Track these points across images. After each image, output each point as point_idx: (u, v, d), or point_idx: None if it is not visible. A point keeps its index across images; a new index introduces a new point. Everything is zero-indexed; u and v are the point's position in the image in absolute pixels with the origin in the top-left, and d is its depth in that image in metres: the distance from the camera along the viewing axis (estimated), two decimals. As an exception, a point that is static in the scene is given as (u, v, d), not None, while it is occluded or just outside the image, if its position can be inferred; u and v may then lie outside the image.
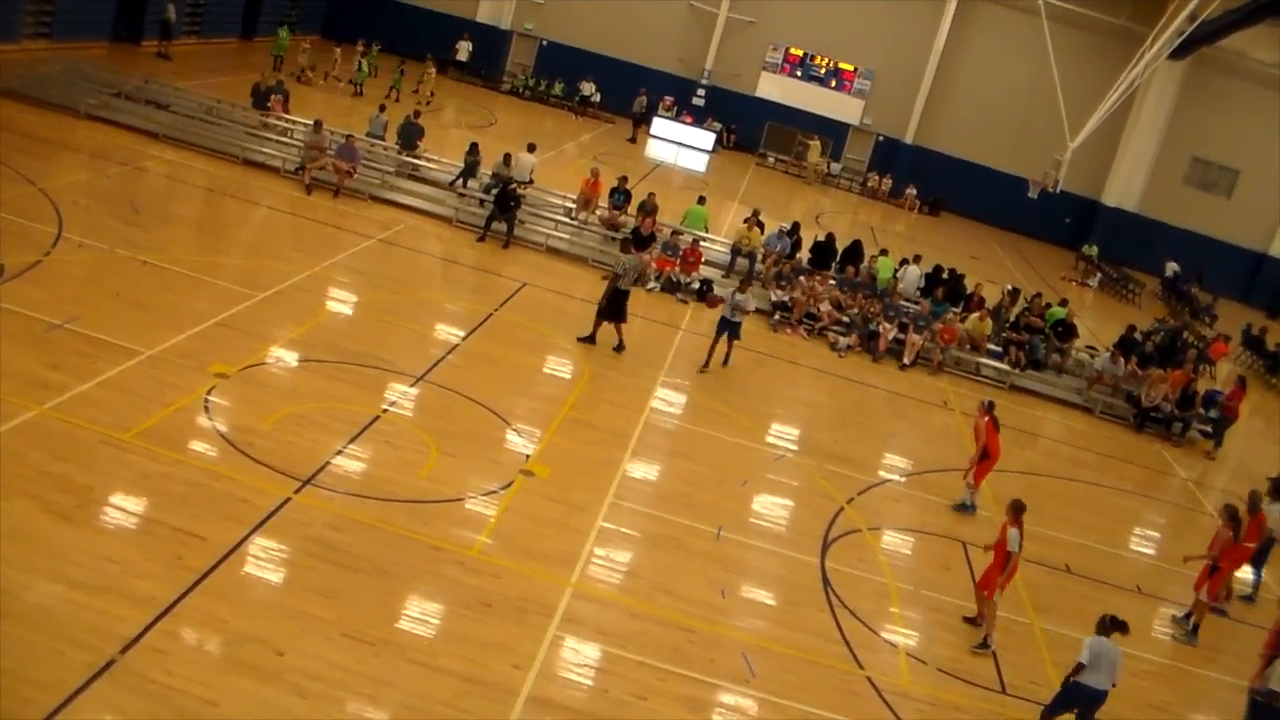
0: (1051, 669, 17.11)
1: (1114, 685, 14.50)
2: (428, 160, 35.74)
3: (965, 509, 21.47)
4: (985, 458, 21.20)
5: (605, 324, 24.94)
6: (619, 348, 25.04)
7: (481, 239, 31.05)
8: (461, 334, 23.69)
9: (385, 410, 19.13)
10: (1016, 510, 16.87)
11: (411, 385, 20.40)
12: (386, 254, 27.91)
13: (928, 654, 16.66)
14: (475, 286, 28.15)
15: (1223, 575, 19.36)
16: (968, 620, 17.46)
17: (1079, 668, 14.17)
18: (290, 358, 20.20)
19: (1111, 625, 14.37)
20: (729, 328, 25.56)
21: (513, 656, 13.65)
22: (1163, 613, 20.48)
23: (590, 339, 25.03)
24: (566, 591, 15.39)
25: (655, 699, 13.75)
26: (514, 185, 31.94)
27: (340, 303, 23.91)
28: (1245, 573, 21.37)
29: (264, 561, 14.19)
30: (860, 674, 15.58)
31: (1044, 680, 16.77)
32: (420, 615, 14.09)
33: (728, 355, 25.89)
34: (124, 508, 14.61)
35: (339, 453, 17.20)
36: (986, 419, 21.08)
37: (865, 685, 15.38)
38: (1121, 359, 32.82)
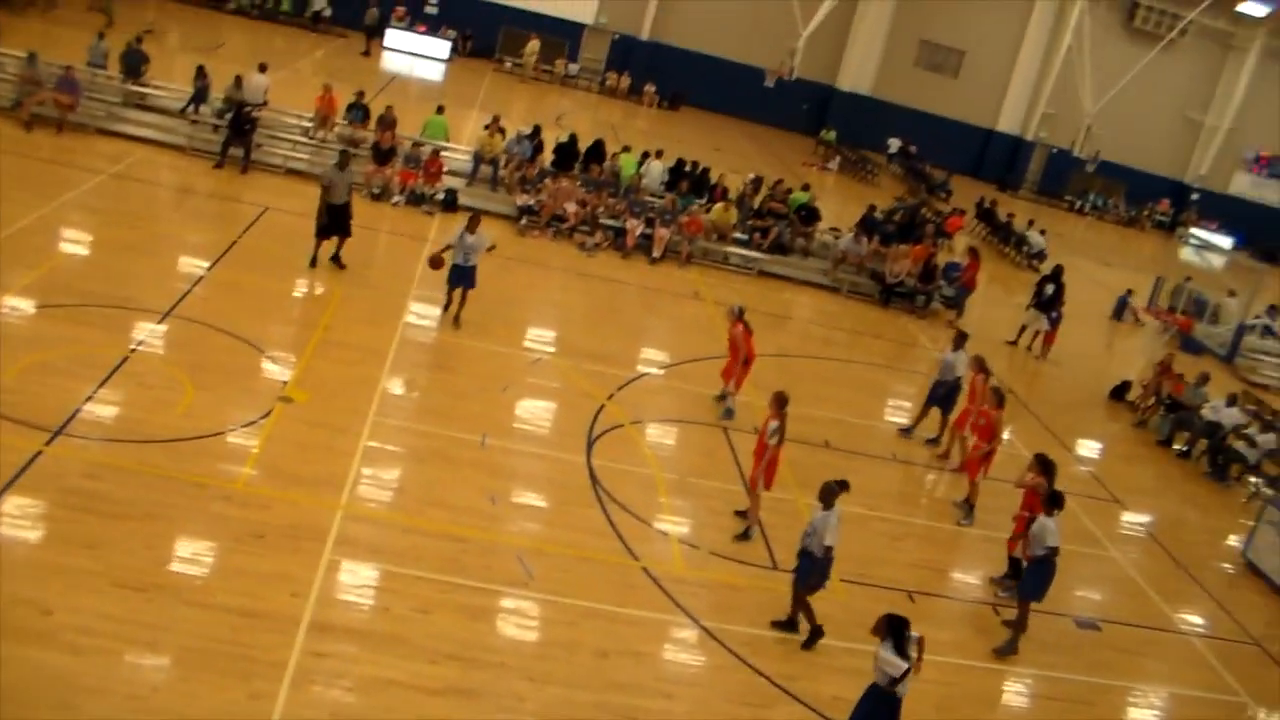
0: (816, 539, 17.74)
1: None
2: (155, 88, 34.12)
3: (728, 415, 21.59)
4: (744, 364, 21.34)
5: (327, 241, 24.27)
6: (335, 258, 24.46)
7: (219, 165, 29.97)
8: (206, 265, 22.87)
9: (134, 350, 18.40)
10: (779, 403, 17.12)
11: (159, 322, 19.65)
12: (120, 189, 26.71)
13: (699, 539, 17.07)
14: (216, 215, 27.18)
15: (994, 455, 20.15)
16: (739, 514, 17.82)
17: (829, 550, 14.54)
18: (26, 305, 19.16)
19: (838, 490, 14.72)
20: (463, 276, 22.66)
21: (290, 585, 13.46)
22: (917, 475, 21.45)
23: (313, 262, 24.27)
24: (337, 514, 15.19)
25: (437, 611, 13.75)
26: (247, 108, 30.90)
27: (75, 243, 22.80)
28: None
29: (20, 520, 13.53)
30: (636, 565, 15.86)
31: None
32: (191, 555, 13.71)
33: (461, 307, 22.90)
34: None
35: (89, 398, 16.49)
36: (740, 326, 21.18)
37: (642, 576, 15.69)
38: (864, 238, 33.92)
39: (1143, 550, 21.05)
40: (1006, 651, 15.97)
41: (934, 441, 22.91)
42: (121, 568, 13.00)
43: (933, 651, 15.33)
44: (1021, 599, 16.29)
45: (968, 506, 20.07)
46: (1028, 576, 16.24)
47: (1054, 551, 15.71)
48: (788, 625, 15.08)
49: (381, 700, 12.04)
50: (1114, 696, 16.05)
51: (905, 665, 12.01)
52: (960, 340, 22.78)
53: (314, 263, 24.20)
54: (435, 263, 22.30)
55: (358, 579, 14.07)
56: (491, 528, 15.98)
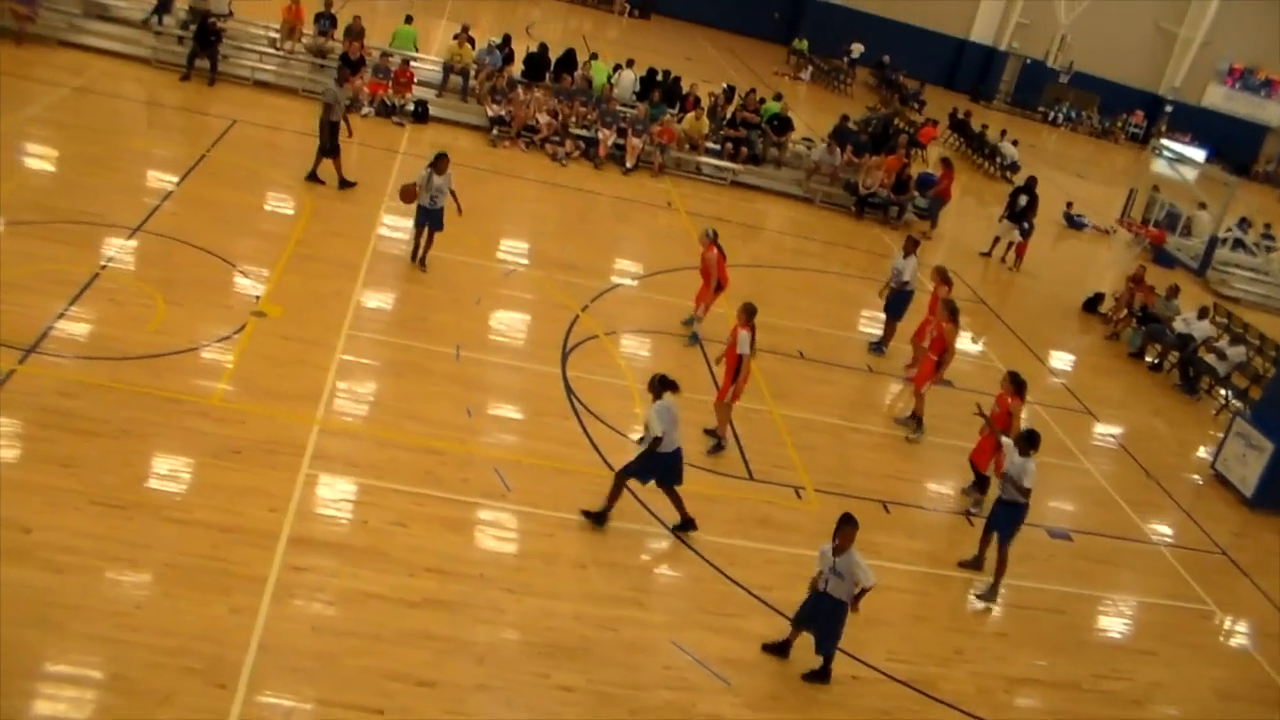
0: (793, 452, 17.89)
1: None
2: (116, -2, 33.58)
3: (694, 340, 20.97)
4: (718, 289, 20.72)
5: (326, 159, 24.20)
6: (345, 183, 24.39)
7: (185, 78, 29.57)
8: (175, 179, 22.67)
9: (104, 266, 18.29)
10: (748, 313, 17.00)
11: (128, 237, 19.51)
12: (83, 102, 26.35)
13: (675, 450, 17.16)
14: (183, 128, 26.92)
15: (946, 364, 19.69)
16: (708, 432, 17.73)
17: (657, 441, 14.25)
18: (-7, 222, 19.04)
19: (662, 385, 14.39)
20: (429, 218, 21.18)
21: (268, 500, 13.53)
22: (892, 388, 21.57)
23: (314, 176, 24.25)
24: (313, 428, 15.24)
25: (414, 523, 13.86)
26: (212, 19, 30.46)
27: (40, 159, 22.52)
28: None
29: (-5, 438, 13.60)
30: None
31: (788, 463, 17.55)
32: (168, 471, 13.75)
33: (426, 250, 21.48)
34: None
35: (61, 316, 16.40)
36: (714, 250, 20.42)
37: (619, 487, 15.78)
38: (837, 148, 33.80)
39: (1114, 461, 21.31)
40: (989, 597, 15.57)
41: (877, 347, 22.94)
42: (99, 485, 13.02)
43: (907, 561, 15.70)
44: (1001, 545, 15.56)
45: (915, 420, 19.89)
46: (1002, 522, 15.56)
47: (1028, 493, 15.23)
48: (597, 517, 14.82)
49: (361, 613, 12.15)
50: (1084, 605, 16.33)
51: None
52: (911, 246, 22.70)
53: (313, 176, 24.31)
54: (407, 195, 21.28)
55: (335, 493, 14.16)
56: (468, 440, 16.07)
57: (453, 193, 21.13)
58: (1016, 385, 17.34)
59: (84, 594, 11.38)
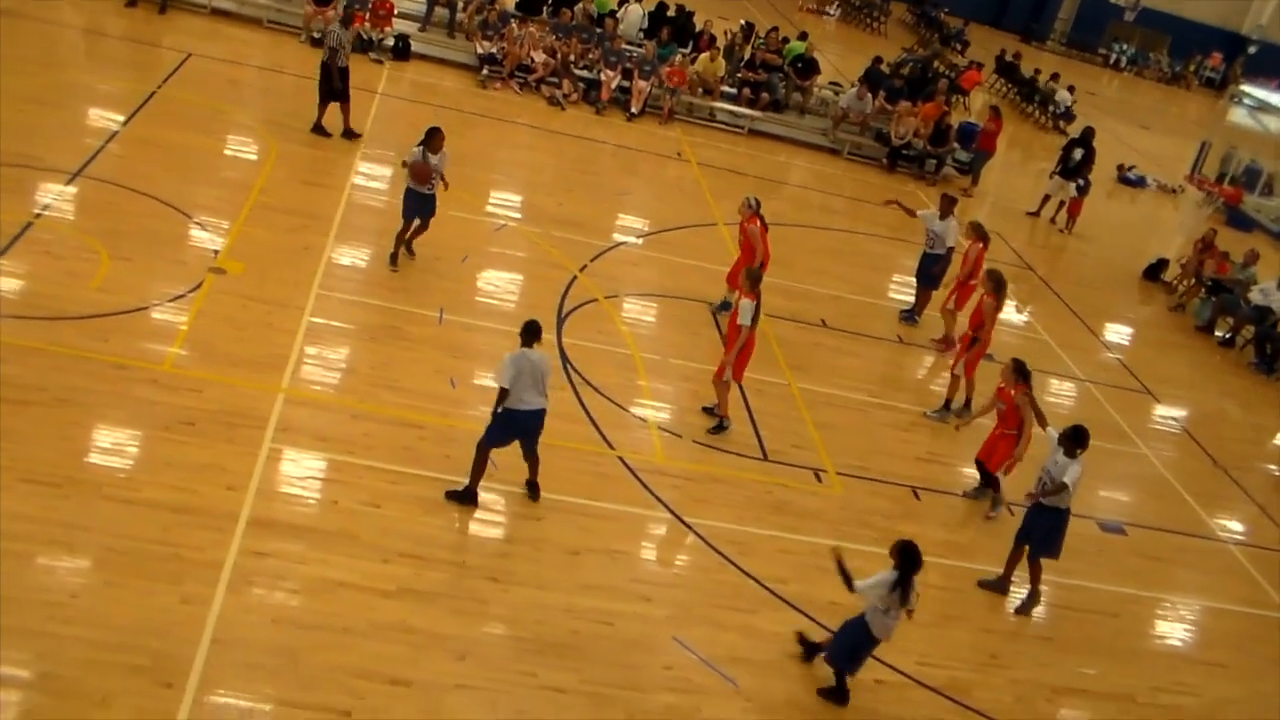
0: (813, 430, 17.91)
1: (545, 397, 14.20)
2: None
3: (726, 308, 20.54)
4: (761, 265, 20.00)
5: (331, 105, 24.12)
6: (320, 129, 24.32)
7: (131, 4, 29.28)
8: (121, 118, 22.66)
9: (39, 215, 18.24)
10: (752, 279, 16.78)
11: (67, 183, 19.48)
12: (13, 29, 26.03)
13: (681, 426, 17.22)
14: (131, 61, 26.83)
15: (984, 346, 19.37)
16: (706, 410, 17.68)
17: (502, 394, 13.75)
18: (-85, 165, 19.02)
19: (525, 333, 13.92)
20: (421, 205, 19.71)
21: (226, 477, 13.55)
22: (925, 361, 21.60)
23: (320, 129, 24.27)
24: (278, 398, 15.28)
25: (390, 504, 13.90)
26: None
27: (-36, 94, 22.53)
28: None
29: (-85, 408, 13.60)
30: (611, 454, 16.03)
31: (807, 442, 17.56)
32: (112, 445, 13.77)
33: (416, 234, 19.96)
34: None
35: (-10, 270, 16.46)
36: (756, 221, 20.04)
37: (617, 466, 15.87)
38: (868, 94, 33.66)
39: (1177, 448, 21.31)
40: (1026, 609, 15.31)
41: (909, 315, 22.94)
42: (32, 461, 12.99)
43: (940, 553, 15.66)
44: (1036, 557, 15.25)
45: (963, 404, 19.65)
46: (1042, 533, 15.12)
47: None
48: (462, 495, 14.41)
49: (328, 603, 12.19)
50: (1140, 607, 16.33)
51: (879, 605, 12.17)
52: (948, 205, 22.55)
53: (321, 129, 24.27)
54: (419, 172, 19.22)
55: (301, 470, 14.18)
56: (451, 412, 16.10)
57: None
58: (1020, 374, 16.45)
59: (12, 583, 11.32)
